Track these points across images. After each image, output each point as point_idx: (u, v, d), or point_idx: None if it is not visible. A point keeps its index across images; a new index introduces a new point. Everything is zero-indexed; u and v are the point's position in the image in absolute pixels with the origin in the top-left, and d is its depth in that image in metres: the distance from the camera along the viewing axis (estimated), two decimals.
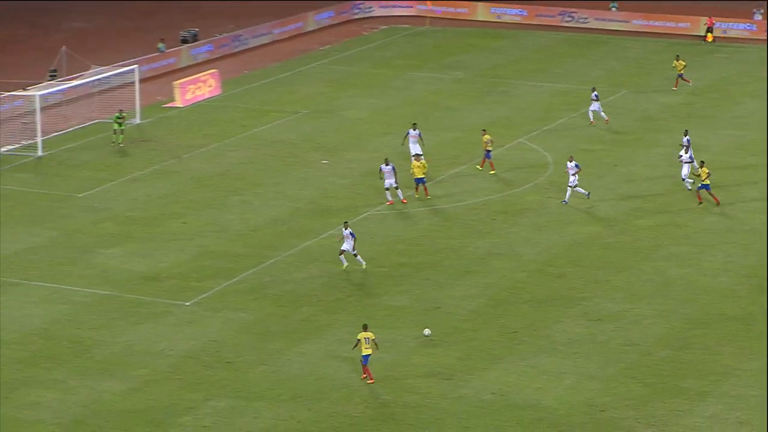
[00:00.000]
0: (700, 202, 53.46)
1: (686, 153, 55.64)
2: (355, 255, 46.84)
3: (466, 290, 45.64)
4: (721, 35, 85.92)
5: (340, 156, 61.24)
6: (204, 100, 71.65)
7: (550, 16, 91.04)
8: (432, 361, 40.19)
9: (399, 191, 53.83)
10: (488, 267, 47.72)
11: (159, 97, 72.06)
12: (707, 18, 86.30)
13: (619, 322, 43.12)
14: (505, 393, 38.21)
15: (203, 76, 72.72)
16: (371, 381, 38.55)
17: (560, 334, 42.12)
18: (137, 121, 66.80)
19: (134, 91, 67.89)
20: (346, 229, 46.71)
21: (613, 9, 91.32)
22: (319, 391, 38.37)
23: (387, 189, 53.72)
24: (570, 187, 53.61)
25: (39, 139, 61.86)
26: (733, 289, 45.66)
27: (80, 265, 47.91)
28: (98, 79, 68.83)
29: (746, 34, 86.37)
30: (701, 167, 53.30)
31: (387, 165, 53.68)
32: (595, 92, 65.65)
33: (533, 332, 42.29)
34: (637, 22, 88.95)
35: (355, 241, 46.76)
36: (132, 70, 68.80)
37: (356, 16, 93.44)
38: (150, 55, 78.35)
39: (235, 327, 42.73)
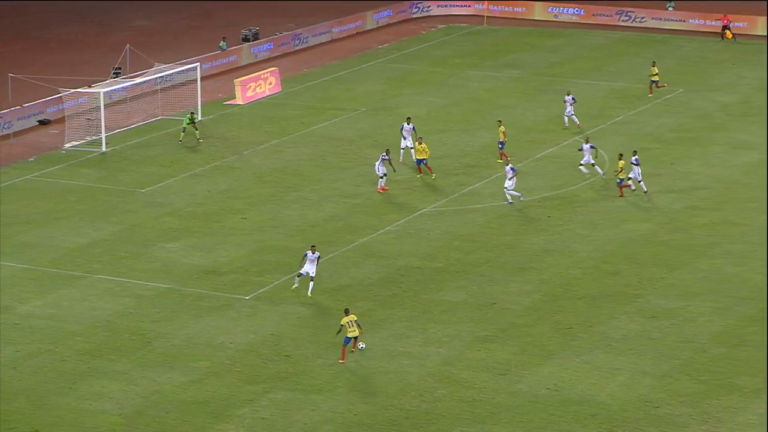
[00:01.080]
0: (621, 195, 53.94)
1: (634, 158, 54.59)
2: (311, 279, 43.97)
3: (521, 286, 45.52)
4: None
5: (397, 153, 61.25)
6: (264, 97, 71.95)
7: (607, 15, 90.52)
8: (487, 356, 40.14)
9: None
10: (543, 263, 47.57)
11: (220, 95, 72.46)
12: (721, 15, 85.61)
13: (674, 319, 42.83)
14: (559, 388, 38.07)
15: (264, 73, 73.00)
16: (342, 361, 39.21)
17: (615, 331, 41.91)
18: (199, 118, 67.16)
19: (196, 88, 68.29)
20: (313, 253, 44.11)
21: (670, 8, 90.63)
22: (376, 384, 38.43)
23: (381, 177, 54.88)
24: (582, 165, 54.76)
25: (103, 136, 62.40)
26: None
27: (142, 258, 48.29)
28: (161, 77, 69.37)
29: None
30: (619, 161, 54.01)
31: (386, 155, 54.91)
32: (571, 96, 64.00)
33: (588, 328, 42.11)
34: (694, 22, 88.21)
35: (316, 267, 44.04)
36: (194, 68, 69.23)
37: (414, 15, 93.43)
38: (212, 53, 78.77)
39: (293, 321, 42.90)
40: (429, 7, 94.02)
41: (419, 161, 56.77)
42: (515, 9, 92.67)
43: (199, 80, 68.43)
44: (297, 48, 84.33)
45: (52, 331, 42.07)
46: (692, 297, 44.46)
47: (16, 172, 58.72)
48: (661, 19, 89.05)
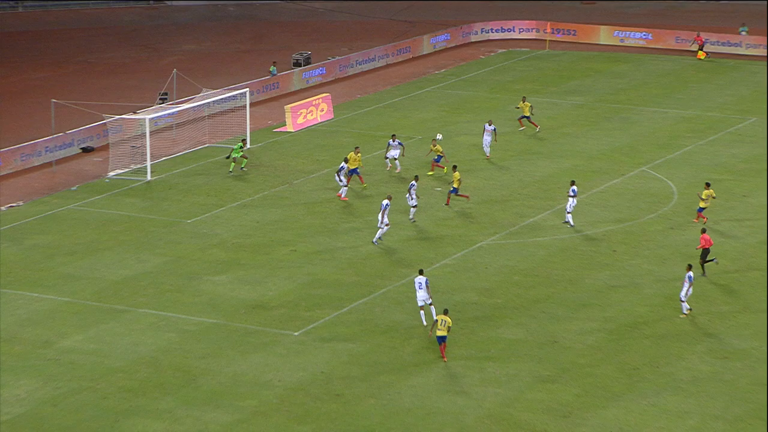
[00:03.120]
0: (447, 204, 57.38)
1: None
2: (430, 304, 44.62)
3: (584, 324, 45.21)
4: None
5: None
6: (315, 124, 72.21)
7: (677, 40, 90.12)
8: (548, 397, 39.85)
9: (396, 162, 61.64)
10: (608, 300, 47.22)
11: (270, 121, 72.82)
12: (695, 35, 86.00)
13: (747, 360, 42.32)
14: None
15: (315, 100, 73.28)
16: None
17: (684, 372, 41.48)
18: (248, 145, 67.46)
19: (245, 114, 68.66)
20: (421, 274, 44.69)
21: (743, 33, 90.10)
22: (431, 425, 38.24)
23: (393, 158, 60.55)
24: (568, 212, 54.58)
25: (148, 164, 62.81)
26: None
27: (188, 292, 48.44)
28: (209, 103, 69.79)
29: None
30: (454, 172, 56.97)
31: (394, 141, 57.90)
32: (397, 140, 62.97)
33: (655, 369, 41.72)
34: None
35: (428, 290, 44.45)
36: (243, 94, 69.66)
37: (473, 39, 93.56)
38: (261, 79, 79.25)
39: (344, 358, 42.82)
40: (488, 30, 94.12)
41: (352, 171, 59.21)
42: (579, 33, 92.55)
43: (248, 106, 68.80)
44: (350, 73, 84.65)
45: (94, 367, 42.24)
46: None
47: (59, 202, 59.23)
48: (732, 45, 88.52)
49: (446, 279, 49.14)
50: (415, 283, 44.91)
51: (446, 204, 57.68)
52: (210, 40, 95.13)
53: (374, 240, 53.04)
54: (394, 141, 62.83)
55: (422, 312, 45.07)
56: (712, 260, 49.17)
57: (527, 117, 69.30)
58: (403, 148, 62.93)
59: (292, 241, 53.79)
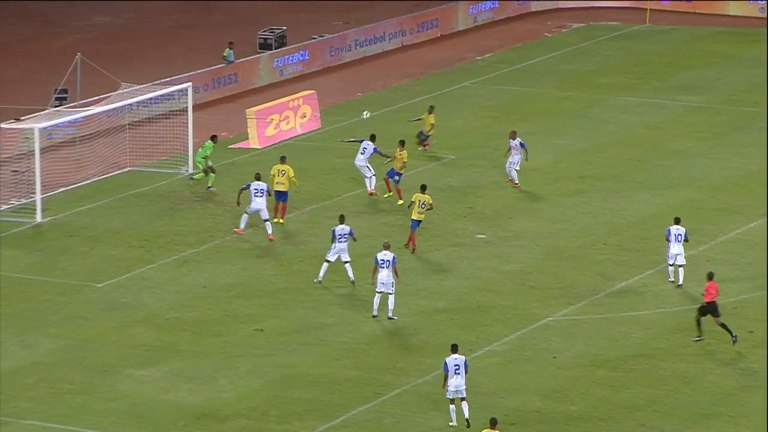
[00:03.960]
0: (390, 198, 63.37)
1: None
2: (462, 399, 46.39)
3: None
4: None
5: (503, 227, 61.10)
6: (294, 137, 72.21)
7: None
8: None
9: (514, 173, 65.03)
10: (742, 407, 47.05)
11: (224, 133, 72.84)
12: None
13: None
14: None
15: (293, 100, 73.31)
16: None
17: None
18: (188, 170, 67.42)
19: (185, 122, 68.61)
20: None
21: None
22: None
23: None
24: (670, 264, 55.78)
25: (38, 197, 62.74)
26: None
27: (99, 393, 48.26)
28: (131, 105, 69.79)
29: None
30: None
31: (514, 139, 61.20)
32: (518, 139, 65.10)
33: None
34: None
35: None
36: (183, 91, 69.61)
37: (534, 9, 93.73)
38: (211, 68, 79.32)
39: None
40: None
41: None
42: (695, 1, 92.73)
43: (190, 110, 68.81)
44: (346, 60, 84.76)
45: None
46: None
47: None
48: None
49: (493, 374, 49.00)
50: (448, 365, 45.25)
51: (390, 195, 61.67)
52: (132, 11, 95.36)
53: (374, 312, 53.19)
54: (514, 140, 64.30)
55: (452, 407, 45.33)
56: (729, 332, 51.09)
57: (424, 135, 70.19)
58: (526, 153, 64.75)
59: (257, 316, 53.68)
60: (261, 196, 60.13)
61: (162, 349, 51.35)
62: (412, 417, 46.71)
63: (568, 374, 49.35)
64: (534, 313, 53.70)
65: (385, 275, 52.42)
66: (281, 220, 61.85)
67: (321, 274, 55.93)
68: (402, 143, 64.24)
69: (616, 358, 50.43)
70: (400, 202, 63.52)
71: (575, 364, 50.10)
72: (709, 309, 50.96)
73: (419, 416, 46.73)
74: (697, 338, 51.15)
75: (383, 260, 52.42)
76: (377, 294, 52.70)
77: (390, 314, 53.14)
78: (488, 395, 47.80)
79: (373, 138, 64.99)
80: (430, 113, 68.71)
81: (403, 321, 53.14)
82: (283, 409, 47.32)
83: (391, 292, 52.51)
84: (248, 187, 60.12)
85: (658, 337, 51.91)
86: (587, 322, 53.18)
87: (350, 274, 55.80)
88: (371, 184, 64.90)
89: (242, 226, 60.72)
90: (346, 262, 55.85)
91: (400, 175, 63.96)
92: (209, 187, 64.88)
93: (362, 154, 64.87)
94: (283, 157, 62.77)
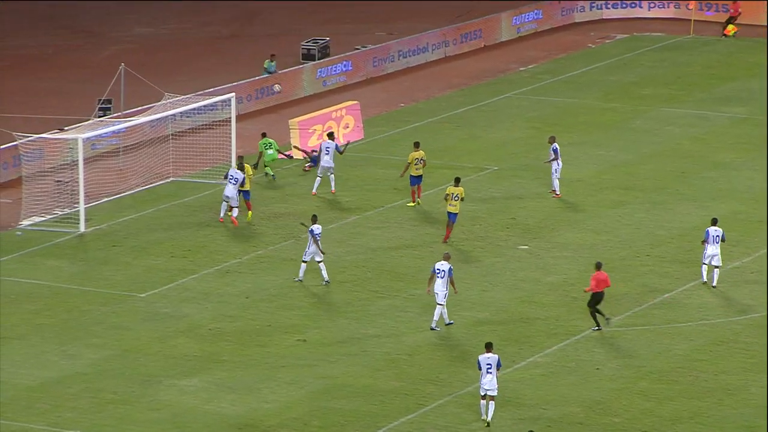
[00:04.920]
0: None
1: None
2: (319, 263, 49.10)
3: None
4: None
5: (545, 238, 60.99)
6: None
7: None
8: None
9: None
10: None
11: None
12: (730, 3, 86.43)
13: None
14: None
15: (336, 111, 73.34)
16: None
17: None
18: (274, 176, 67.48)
19: (228, 132, 68.66)
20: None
21: None
22: None
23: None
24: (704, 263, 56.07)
25: (82, 207, 62.86)
26: None
27: (141, 404, 48.30)
28: (174, 115, 69.87)
29: None
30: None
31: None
32: (555, 144, 64.97)
33: None
34: None
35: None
36: (226, 101, 69.70)
37: (577, 20, 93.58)
38: (253, 79, 79.37)
39: None
40: (602, 5, 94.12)
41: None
42: (741, 10, 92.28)
43: (233, 120, 68.86)
44: (389, 71, 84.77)
45: None
46: None
47: None
48: None
49: (536, 386, 48.87)
50: (480, 363, 46.14)
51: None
52: (174, 21, 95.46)
53: (433, 325, 53.08)
54: (552, 145, 65.22)
55: (483, 403, 46.28)
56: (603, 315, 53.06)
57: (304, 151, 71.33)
58: (557, 160, 65.39)
59: (300, 326, 53.67)
60: (234, 184, 62.20)
61: (204, 360, 51.37)
62: (454, 428, 46.64)
63: (611, 386, 49.22)
64: (576, 325, 53.60)
65: (439, 284, 52.49)
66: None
67: (300, 273, 57.18)
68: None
69: (659, 370, 50.31)
70: (411, 204, 64.69)
71: (618, 375, 49.99)
72: (599, 298, 52.48)
73: (462, 427, 46.66)
74: (596, 328, 52.80)
75: (439, 270, 52.52)
76: (438, 305, 52.92)
77: (433, 325, 53.05)
78: (531, 407, 47.72)
79: (330, 135, 66.87)
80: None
81: (446, 332, 53.10)
82: (325, 419, 47.28)
83: (441, 303, 52.47)
84: (226, 175, 62.73)
85: (701, 348, 51.78)
86: (629, 334, 53.04)
87: (324, 273, 56.73)
88: (333, 183, 66.50)
89: (221, 214, 63.05)
90: (320, 261, 56.71)
91: (420, 178, 64.62)
92: (272, 176, 68.17)
93: (327, 154, 65.89)
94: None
